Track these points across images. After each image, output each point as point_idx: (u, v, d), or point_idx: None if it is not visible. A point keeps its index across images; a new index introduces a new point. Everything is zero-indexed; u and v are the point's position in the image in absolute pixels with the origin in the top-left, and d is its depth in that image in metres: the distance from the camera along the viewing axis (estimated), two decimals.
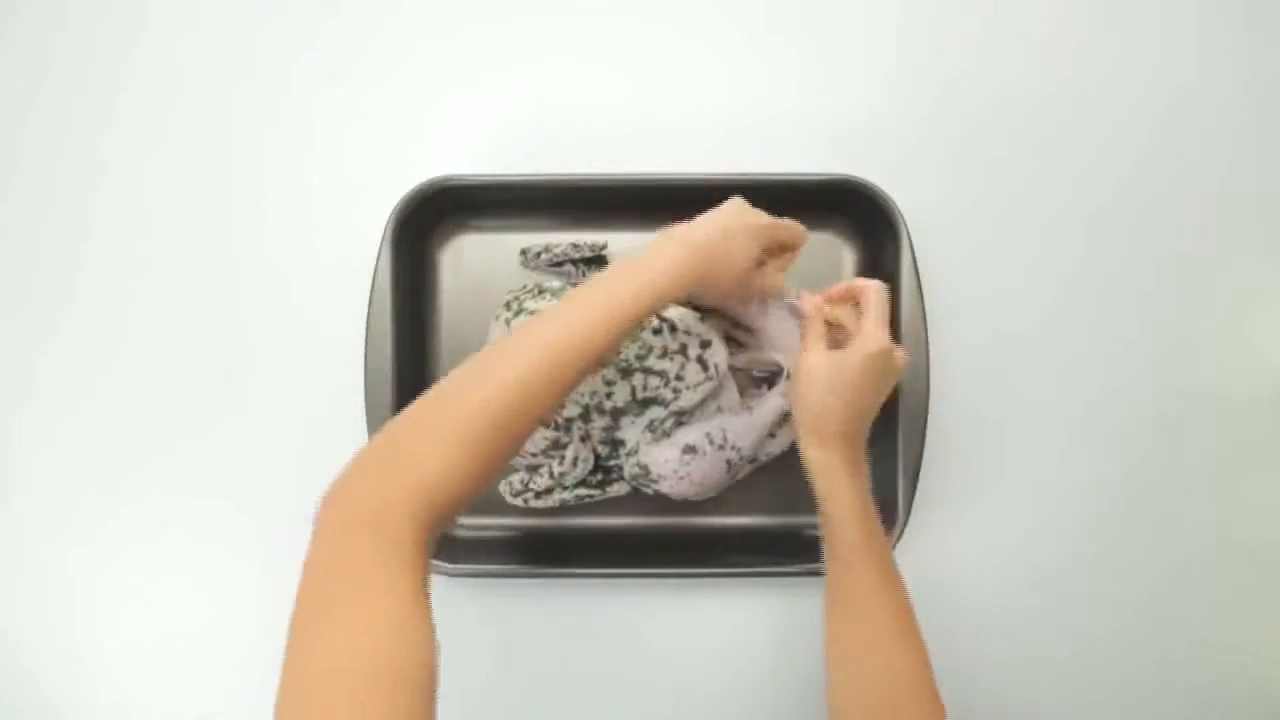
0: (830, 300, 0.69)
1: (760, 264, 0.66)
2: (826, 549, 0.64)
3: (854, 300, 0.68)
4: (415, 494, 0.49)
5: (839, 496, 0.63)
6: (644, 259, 0.61)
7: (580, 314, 0.57)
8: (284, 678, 0.44)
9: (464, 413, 0.52)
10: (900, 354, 0.65)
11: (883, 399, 0.66)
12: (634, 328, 0.59)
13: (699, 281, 0.61)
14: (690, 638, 0.81)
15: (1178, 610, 0.82)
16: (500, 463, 0.54)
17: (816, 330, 0.67)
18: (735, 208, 0.65)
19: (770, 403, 0.75)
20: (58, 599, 0.82)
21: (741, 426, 0.74)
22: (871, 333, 0.64)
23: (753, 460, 0.78)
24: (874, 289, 0.67)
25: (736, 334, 0.79)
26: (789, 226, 0.68)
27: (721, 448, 0.73)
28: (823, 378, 0.64)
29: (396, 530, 0.48)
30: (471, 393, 0.53)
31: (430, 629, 0.45)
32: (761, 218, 0.65)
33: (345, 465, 0.52)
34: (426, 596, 0.47)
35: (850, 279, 0.71)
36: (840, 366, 0.63)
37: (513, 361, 0.55)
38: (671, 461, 0.73)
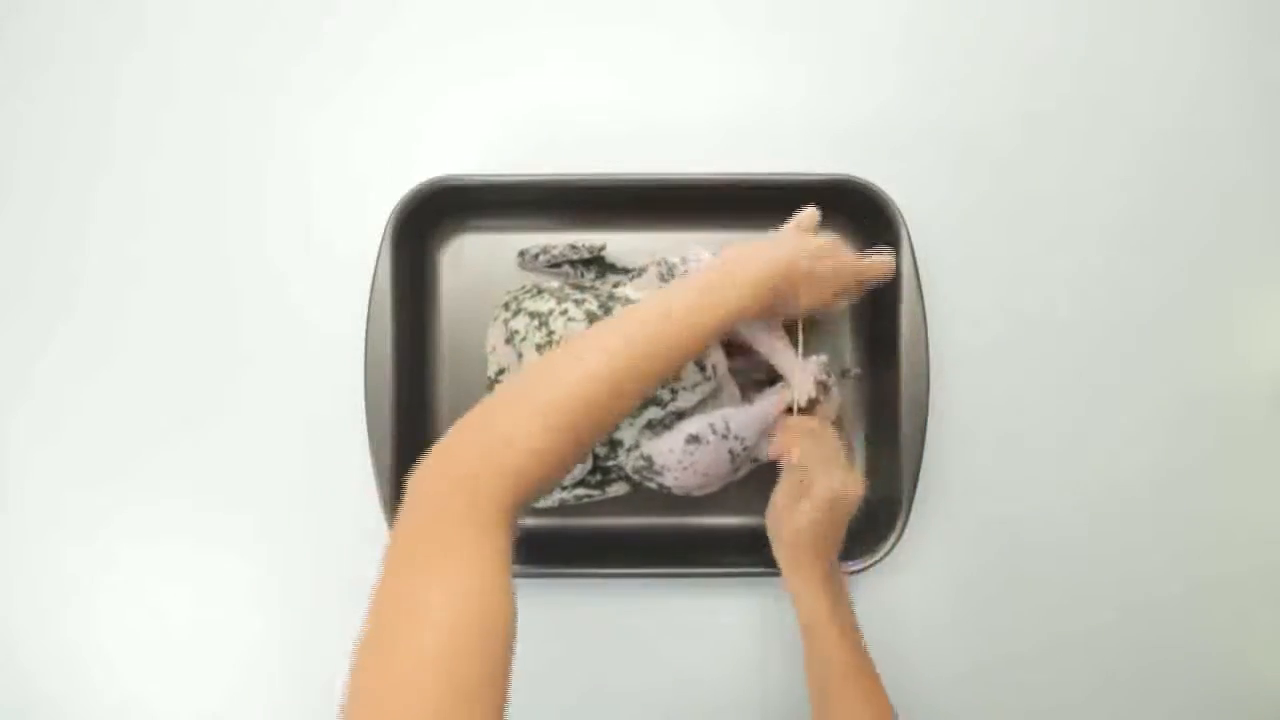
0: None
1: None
2: (807, 659, 0.70)
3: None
4: (507, 466, 0.52)
5: (815, 616, 0.69)
6: (753, 267, 0.63)
7: (675, 312, 0.60)
8: (371, 627, 0.46)
9: (558, 395, 0.55)
10: (856, 488, 0.70)
11: (844, 526, 0.71)
12: (719, 334, 0.62)
13: (795, 297, 0.66)
14: (690, 638, 0.81)
15: (1177, 610, 0.82)
16: (586, 448, 0.57)
17: (787, 475, 0.73)
18: (834, 247, 0.69)
19: (771, 398, 0.75)
20: (58, 598, 0.82)
21: (743, 418, 0.74)
22: (826, 485, 0.69)
23: (753, 460, 0.78)
24: (822, 437, 0.72)
25: (734, 336, 0.79)
26: (879, 265, 0.72)
27: (725, 437, 0.73)
28: (789, 517, 0.70)
29: (489, 498, 0.50)
30: (566, 376, 0.56)
31: (512, 594, 0.48)
32: (853, 264, 0.70)
33: (445, 434, 0.54)
34: (509, 565, 0.49)
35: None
36: (804, 512, 0.69)
37: (607, 351, 0.57)
38: (675, 452, 0.73)
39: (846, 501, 0.70)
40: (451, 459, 0.52)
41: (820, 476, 0.69)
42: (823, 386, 0.75)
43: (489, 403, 0.55)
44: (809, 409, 0.77)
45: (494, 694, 0.45)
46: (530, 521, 0.81)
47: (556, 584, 0.81)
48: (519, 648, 0.82)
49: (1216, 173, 0.84)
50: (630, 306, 0.65)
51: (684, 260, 0.76)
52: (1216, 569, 0.82)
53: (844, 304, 0.73)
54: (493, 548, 0.49)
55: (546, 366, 0.58)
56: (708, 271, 0.64)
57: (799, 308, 0.67)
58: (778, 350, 0.75)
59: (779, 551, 0.72)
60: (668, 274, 0.76)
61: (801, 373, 0.74)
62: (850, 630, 0.69)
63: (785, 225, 0.72)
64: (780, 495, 0.72)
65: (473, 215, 0.82)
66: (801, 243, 0.67)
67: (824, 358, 0.77)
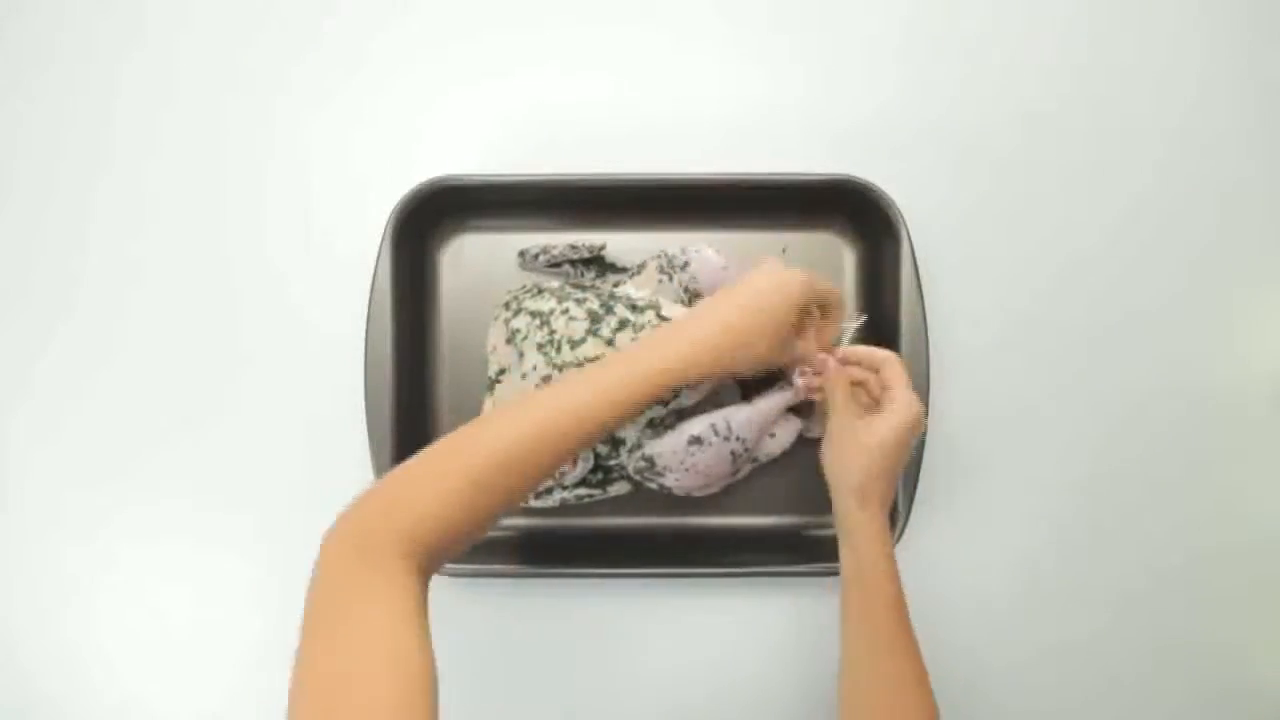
0: (847, 363, 0.71)
1: (800, 329, 0.68)
2: (851, 603, 0.66)
3: (871, 367, 0.70)
4: (405, 527, 0.52)
5: (876, 554, 0.65)
6: (677, 332, 0.63)
7: (602, 378, 0.60)
8: (289, 704, 0.47)
9: (463, 456, 0.56)
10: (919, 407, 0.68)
11: (907, 459, 0.69)
12: (652, 400, 0.61)
13: (730, 359, 0.63)
14: (690, 637, 0.81)
15: (1177, 611, 0.82)
16: (495, 511, 0.57)
17: (844, 393, 0.69)
18: (770, 278, 0.65)
19: (772, 398, 0.75)
20: (58, 598, 0.82)
21: (744, 418, 0.74)
22: (907, 400, 0.66)
23: (753, 460, 0.78)
24: (894, 359, 0.69)
25: None
26: (827, 289, 0.69)
27: (727, 439, 0.73)
28: (862, 442, 0.66)
29: (386, 558, 0.50)
30: (477, 438, 0.57)
31: (426, 648, 0.47)
32: (795, 278, 0.65)
33: (347, 503, 0.54)
34: (422, 618, 0.49)
35: (847, 304, 0.75)
36: (878, 431, 0.66)
37: (525, 415, 0.58)
38: (678, 452, 0.73)
39: (919, 428, 0.67)
40: (351, 520, 0.53)
41: (895, 399, 0.67)
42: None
43: (397, 468, 0.56)
44: (808, 407, 0.77)
45: None
46: (531, 521, 0.81)
47: (557, 584, 0.81)
48: (519, 648, 0.83)
49: (1216, 173, 0.84)
50: (561, 377, 0.65)
51: (684, 252, 0.76)
52: (1217, 568, 0.82)
53: (811, 349, 0.70)
54: (398, 602, 0.49)
55: (461, 429, 0.58)
56: (662, 329, 0.64)
57: (765, 355, 0.65)
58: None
59: (845, 487, 0.67)
60: (668, 267, 0.76)
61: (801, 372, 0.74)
62: (897, 575, 0.66)
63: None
64: (836, 428, 0.68)
65: (473, 215, 0.82)
66: (753, 295, 0.64)
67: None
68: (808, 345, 0.69)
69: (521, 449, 0.56)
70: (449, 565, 0.75)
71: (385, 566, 0.50)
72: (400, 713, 0.44)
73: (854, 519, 0.66)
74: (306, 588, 0.50)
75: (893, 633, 0.65)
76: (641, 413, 0.64)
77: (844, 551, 0.67)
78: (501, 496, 0.56)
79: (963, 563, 0.81)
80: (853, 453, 0.66)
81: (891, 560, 0.66)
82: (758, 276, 0.65)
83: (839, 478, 0.68)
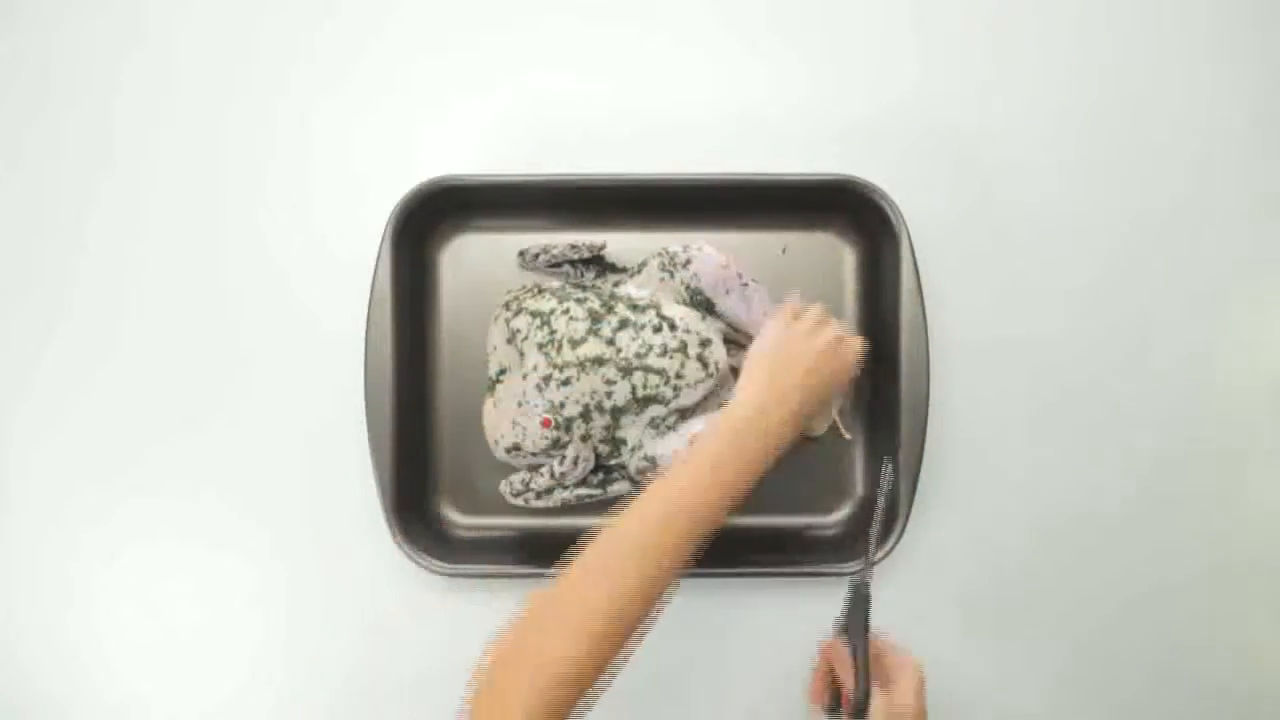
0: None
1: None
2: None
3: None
4: (547, 690, 0.54)
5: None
6: (759, 425, 0.65)
7: (705, 494, 0.62)
8: None
9: (585, 612, 0.57)
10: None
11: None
12: (749, 492, 0.63)
13: (807, 412, 0.69)
14: (689, 637, 0.81)
15: (1177, 611, 0.82)
16: (620, 652, 0.58)
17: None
18: (832, 346, 0.71)
19: None
20: (59, 598, 0.82)
21: None
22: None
23: None
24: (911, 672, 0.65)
25: (737, 337, 0.79)
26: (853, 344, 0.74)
27: None
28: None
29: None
30: (594, 591, 0.58)
31: None
32: (855, 348, 0.73)
33: (485, 665, 0.56)
34: None
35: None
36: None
37: (634, 559, 0.59)
38: (680, 452, 0.73)
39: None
40: (498, 699, 0.54)
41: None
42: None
43: (524, 626, 0.57)
44: None
45: None
46: (531, 521, 0.81)
47: None
48: None
49: (1216, 173, 0.84)
50: (661, 485, 0.63)
51: (685, 250, 0.76)
52: (1218, 568, 0.82)
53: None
54: None
55: (582, 581, 0.59)
56: (741, 423, 0.65)
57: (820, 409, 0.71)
58: None
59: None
60: (669, 265, 0.76)
61: None
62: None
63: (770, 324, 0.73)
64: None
65: (473, 215, 0.82)
66: (797, 342, 0.70)
67: None
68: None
69: (645, 580, 0.58)
70: (449, 565, 0.75)
71: None
72: None
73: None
74: None
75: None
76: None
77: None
78: (629, 631, 0.58)
79: (963, 562, 0.81)
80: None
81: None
82: (818, 345, 0.71)
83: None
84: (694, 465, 0.63)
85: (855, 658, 0.63)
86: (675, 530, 0.60)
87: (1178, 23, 0.85)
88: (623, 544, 0.60)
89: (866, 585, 0.66)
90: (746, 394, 0.68)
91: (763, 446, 0.65)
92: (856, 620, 0.65)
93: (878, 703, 0.61)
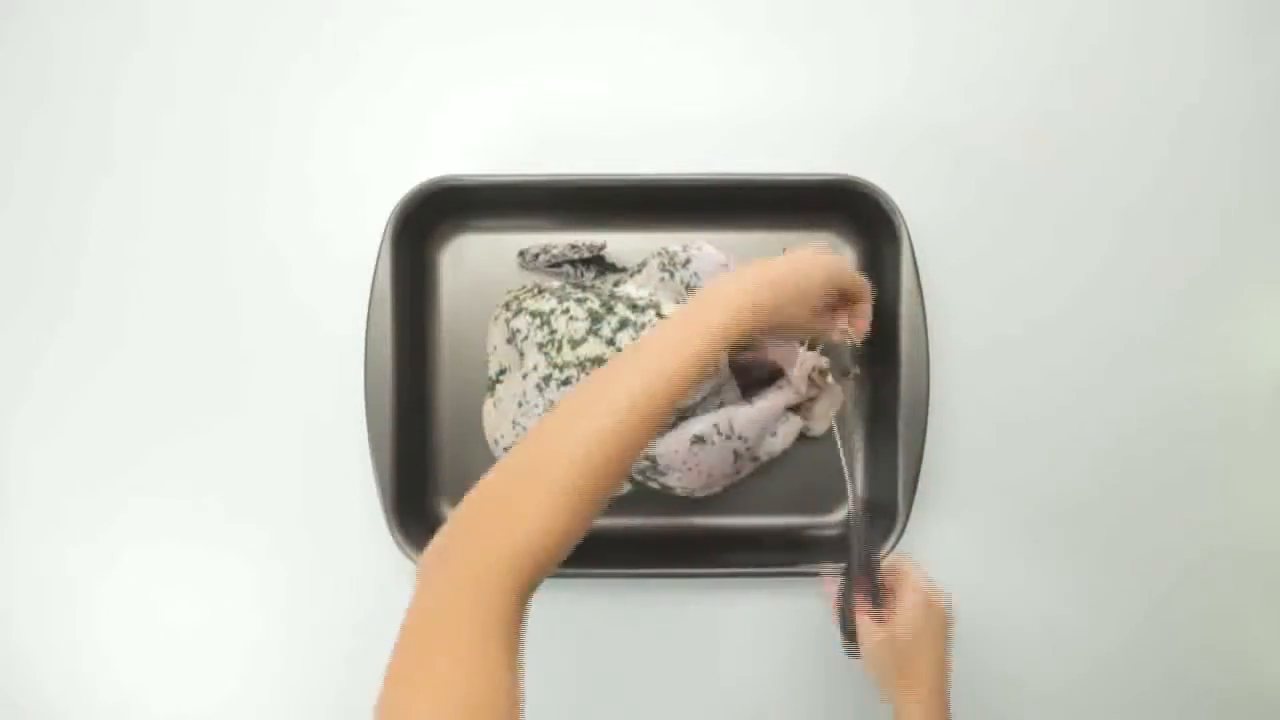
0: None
1: (832, 309, 0.67)
2: None
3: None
4: (517, 553, 0.50)
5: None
6: (728, 289, 0.61)
7: (671, 348, 0.57)
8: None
9: (561, 464, 0.52)
10: (939, 600, 0.67)
11: (943, 647, 0.67)
12: (715, 361, 0.59)
13: (778, 313, 0.62)
14: (690, 637, 0.81)
15: (1178, 610, 0.82)
16: (600, 508, 0.55)
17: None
18: (810, 251, 0.66)
19: (772, 397, 0.75)
20: (59, 599, 0.82)
21: (746, 417, 0.74)
22: (911, 594, 0.67)
23: (755, 459, 0.78)
24: (905, 565, 0.69)
25: None
26: (855, 276, 0.68)
27: (729, 438, 0.74)
28: (878, 639, 0.66)
29: (496, 593, 0.49)
30: (568, 439, 0.53)
31: (518, 700, 0.47)
32: (825, 259, 0.66)
33: (449, 518, 0.52)
34: (518, 660, 0.48)
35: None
36: (890, 627, 0.66)
37: (609, 403, 0.55)
38: (680, 452, 0.73)
39: (936, 616, 0.67)
40: (456, 553, 0.50)
41: (900, 600, 0.67)
42: (820, 375, 0.75)
43: (492, 481, 0.53)
44: (807, 404, 0.78)
45: None
46: None
47: (556, 584, 0.80)
48: None
49: (1216, 172, 0.84)
50: (613, 355, 0.61)
51: (685, 249, 0.76)
52: (1218, 569, 0.82)
53: (840, 336, 0.70)
54: (497, 644, 0.47)
55: (547, 426, 0.55)
56: (706, 292, 0.62)
57: (794, 321, 0.64)
58: (778, 342, 0.76)
59: (882, 681, 0.67)
60: (669, 264, 0.76)
61: (800, 367, 0.74)
62: None
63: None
64: (864, 633, 0.68)
65: (473, 215, 0.82)
66: (793, 258, 0.65)
67: (824, 360, 0.77)
68: (839, 332, 0.69)
69: (621, 429, 0.54)
70: None
71: (496, 600, 0.48)
72: None
73: (900, 711, 0.66)
74: (407, 609, 0.48)
75: None
76: (710, 374, 0.62)
77: None
78: (609, 487, 0.54)
79: (963, 563, 0.82)
80: (874, 651, 0.67)
81: None
82: (797, 252, 0.66)
83: (889, 675, 0.67)
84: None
85: (848, 595, 0.68)
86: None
87: (1176, 22, 0.85)
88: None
89: (859, 526, 0.68)
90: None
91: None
92: (854, 560, 0.68)
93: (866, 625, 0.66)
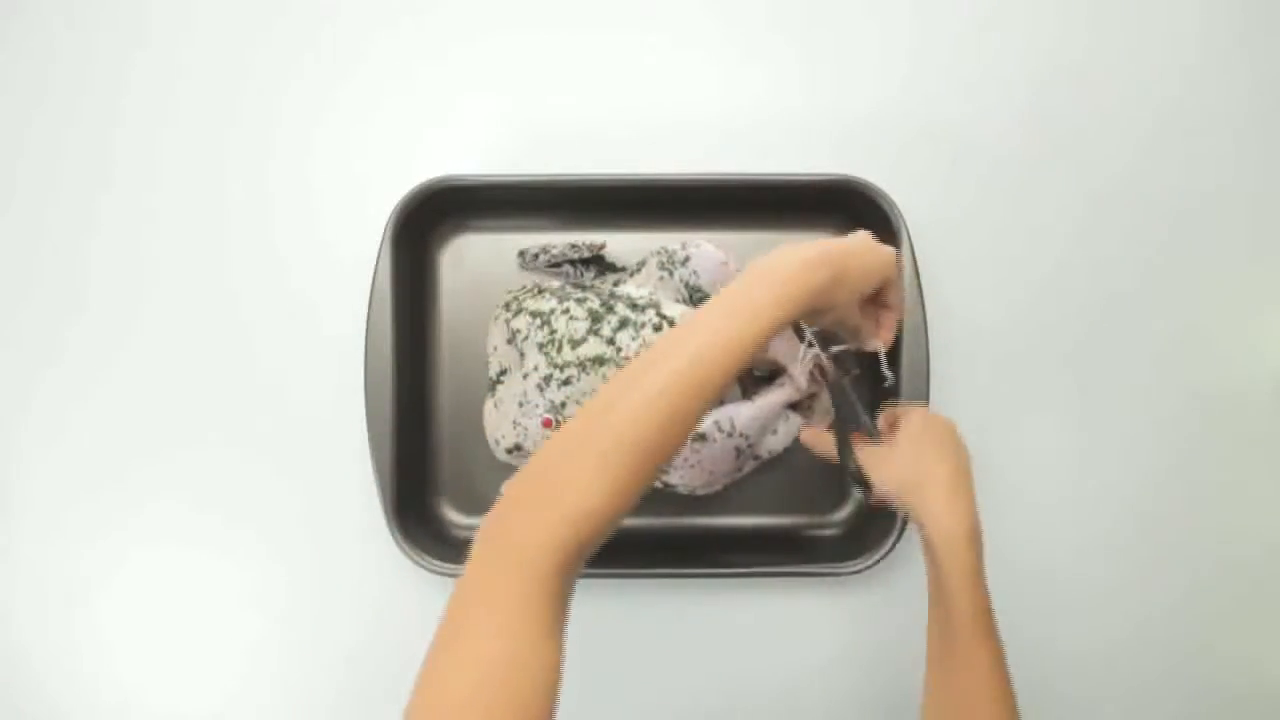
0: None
1: (869, 302, 0.67)
2: (937, 609, 0.66)
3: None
4: (565, 528, 0.50)
5: (962, 565, 0.65)
6: (778, 266, 0.59)
7: (723, 322, 0.57)
8: (417, 688, 0.46)
9: (610, 437, 0.52)
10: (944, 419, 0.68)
11: (953, 451, 0.67)
12: (772, 334, 0.58)
13: (825, 294, 0.61)
14: (690, 637, 0.81)
15: (1179, 610, 0.82)
16: (648, 484, 0.54)
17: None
18: (862, 237, 0.65)
19: (773, 394, 0.75)
20: (61, 603, 0.82)
21: (748, 415, 0.74)
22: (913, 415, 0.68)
23: (756, 457, 0.78)
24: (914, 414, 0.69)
25: None
26: (900, 281, 0.68)
27: (730, 435, 0.74)
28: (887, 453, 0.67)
29: (544, 567, 0.49)
30: (618, 414, 0.53)
31: (557, 667, 0.48)
32: (891, 251, 0.65)
33: (502, 492, 0.52)
34: (561, 631, 0.49)
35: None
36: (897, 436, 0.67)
37: (659, 376, 0.54)
38: (683, 450, 0.73)
39: (941, 427, 0.67)
40: (502, 525, 0.51)
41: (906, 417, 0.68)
42: (820, 372, 0.75)
43: (543, 454, 0.53)
44: (808, 402, 0.77)
45: None
46: None
47: None
48: None
49: (1216, 171, 0.84)
50: (663, 335, 0.61)
51: (684, 247, 0.76)
52: (1219, 569, 0.82)
53: (871, 344, 0.69)
54: (543, 619, 0.48)
55: (599, 401, 0.54)
56: (757, 267, 0.60)
57: (838, 306, 0.63)
58: (779, 339, 0.75)
59: (901, 495, 0.67)
60: (668, 262, 0.76)
61: (801, 363, 0.74)
62: (985, 586, 0.66)
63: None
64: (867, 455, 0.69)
65: (473, 215, 0.82)
66: (828, 241, 0.63)
67: (820, 352, 0.77)
68: (869, 329, 0.68)
69: (671, 404, 0.53)
70: (449, 565, 0.75)
71: (544, 574, 0.49)
72: None
73: (925, 525, 0.65)
74: (459, 580, 0.49)
75: (969, 647, 0.63)
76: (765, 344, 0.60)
77: (925, 560, 0.66)
78: (657, 462, 0.54)
79: None
80: (885, 474, 0.67)
81: (969, 573, 0.64)
82: (851, 237, 0.64)
83: (896, 490, 0.67)
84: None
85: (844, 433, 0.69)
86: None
87: (1174, 22, 0.85)
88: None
89: (842, 384, 0.70)
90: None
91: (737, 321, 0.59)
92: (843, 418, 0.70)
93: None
